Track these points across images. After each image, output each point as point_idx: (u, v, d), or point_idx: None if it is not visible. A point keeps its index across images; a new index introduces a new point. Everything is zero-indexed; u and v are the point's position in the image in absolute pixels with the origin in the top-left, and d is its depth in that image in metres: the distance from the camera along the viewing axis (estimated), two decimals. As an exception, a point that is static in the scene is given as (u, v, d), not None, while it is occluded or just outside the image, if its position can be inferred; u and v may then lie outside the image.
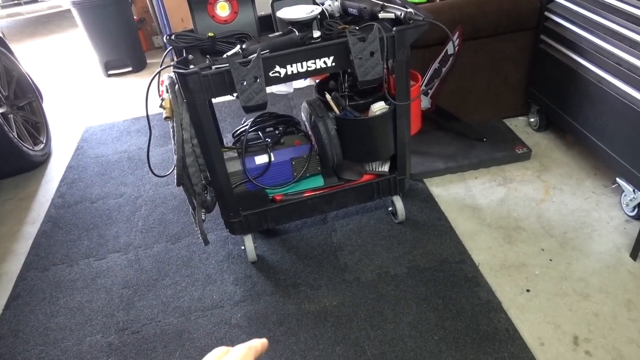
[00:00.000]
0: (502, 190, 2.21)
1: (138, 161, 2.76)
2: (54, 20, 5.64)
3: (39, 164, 2.83)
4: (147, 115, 1.62)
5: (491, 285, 1.76)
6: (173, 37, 1.66)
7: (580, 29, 2.04)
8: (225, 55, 1.58)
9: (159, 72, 1.62)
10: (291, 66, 1.57)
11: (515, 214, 2.07)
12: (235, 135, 2.05)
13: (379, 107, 1.76)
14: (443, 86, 2.44)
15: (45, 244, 2.23)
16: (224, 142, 2.40)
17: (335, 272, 1.89)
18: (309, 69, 1.59)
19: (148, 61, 4.11)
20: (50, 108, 3.46)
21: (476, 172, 2.34)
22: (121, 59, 3.87)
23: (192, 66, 1.61)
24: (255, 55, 1.49)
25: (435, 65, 2.33)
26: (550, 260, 1.84)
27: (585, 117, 2.08)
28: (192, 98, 1.55)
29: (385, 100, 1.79)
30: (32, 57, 4.61)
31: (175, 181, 1.74)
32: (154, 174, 1.76)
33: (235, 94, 1.56)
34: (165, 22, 3.89)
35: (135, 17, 4.04)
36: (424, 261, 1.89)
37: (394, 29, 1.59)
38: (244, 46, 1.60)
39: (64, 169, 2.78)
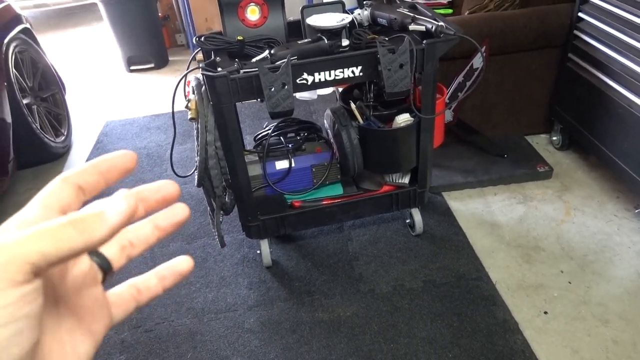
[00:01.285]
0: (521, 208, 2.18)
1: (157, 158, 2.77)
2: (79, 13, 5.71)
3: (60, 155, 2.86)
4: (173, 115, 1.62)
5: (508, 305, 1.74)
6: (202, 39, 1.67)
7: (611, 49, 2.01)
8: (253, 60, 1.58)
9: (186, 74, 1.62)
10: (319, 74, 1.57)
11: (535, 233, 2.04)
12: (256, 138, 2.05)
13: (403, 119, 1.75)
14: (466, 100, 2.42)
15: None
16: (245, 144, 2.40)
17: (350, 282, 1.88)
18: (336, 77, 1.59)
19: (170, 58, 4.13)
20: (72, 101, 3.49)
21: (495, 189, 2.31)
22: (144, 55, 3.90)
23: (219, 69, 1.62)
24: (285, 61, 1.49)
25: (460, 78, 2.31)
26: (570, 282, 1.82)
27: (611, 139, 2.05)
28: (219, 101, 1.55)
29: (410, 112, 1.78)
30: (57, 49, 4.66)
31: (196, 182, 1.74)
32: (175, 173, 1.76)
33: (260, 99, 1.56)
34: (189, 21, 3.91)
35: (159, 14, 4.07)
36: (440, 276, 1.87)
37: (424, 41, 1.58)
38: (272, 51, 1.60)
39: (83, 162, 2.79)
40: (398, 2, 1.83)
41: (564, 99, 2.38)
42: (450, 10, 3.25)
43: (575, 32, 2.21)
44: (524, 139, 2.58)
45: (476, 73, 2.30)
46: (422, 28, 1.62)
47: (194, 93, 1.67)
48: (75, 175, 0.31)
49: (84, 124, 3.25)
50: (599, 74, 2.10)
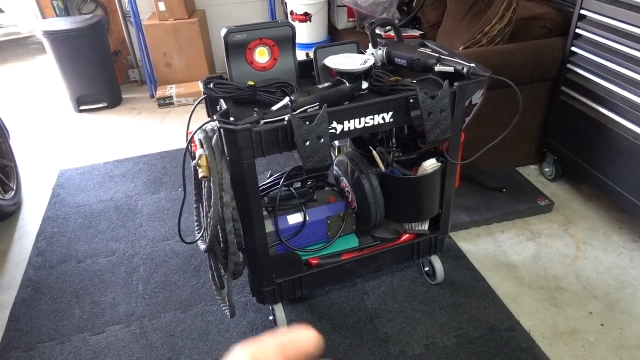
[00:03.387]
0: (532, 245, 2.12)
1: (128, 211, 2.47)
2: (9, 47, 5.21)
3: (9, 214, 2.49)
4: (184, 177, 1.40)
5: (549, 356, 1.64)
6: (211, 85, 1.47)
7: (606, 81, 2.03)
8: (274, 108, 1.41)
9: (197, 130, 1.41)
10: (348, 122, 1.42)
11: (553, 272, 1.98)
12: (260, 190, 1.85)
13: (431, 165, 1.63)
14: (464, 137, 2.35)
15: (26, 315, 1.90)
16: None
17: (377, 345, 1.71)
18: (366, 125, 1.45)
19: (123, 96, 3.82)
20: (18, 148, 3.10)
21: (501, 225, 2.25)
22: (95, 94, 3.57)
23: (231, 119, 1.43)
24: (318, 109, 1.33)
25: (459, 114, 2.24)
26: (602, 325, 1.75)
27: (611, 169, 2.05)
28: (239, 157, 1.35)
29: (436, 157, 1.66)
30: (-13, 88, 4.20)
31: (205, 247, 1.52)
32: (183, 241, 1.53)
33: (285, 152, 1.38)
34: (145, 56, 3.65)
35: (110, 49, 3.76)
36: (472, 329, 1.74)
37: (456, 84, 1.48)
38: (292, 97, 1.43)
39: (39, 221, 2.44)
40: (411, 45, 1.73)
41: (557, 131, 2.38)
42: (422, 43, 3.24)
43: (569, 65, 2.22)
44: (516, 172, 2.56)
45: (474, 109, 2.25)
46: (450, 69, 1.53)
47: (202, 147, 1.46)
48: (257, 351, 0.33)
49: (35, 174, 2.87)
50: (595, 105, 2.11)
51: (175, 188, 2.63)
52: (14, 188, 2.57)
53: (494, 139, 2.47)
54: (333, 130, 1.41)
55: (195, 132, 1.43)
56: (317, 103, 1.45)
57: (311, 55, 1.63)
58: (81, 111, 3.61)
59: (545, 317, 1.79)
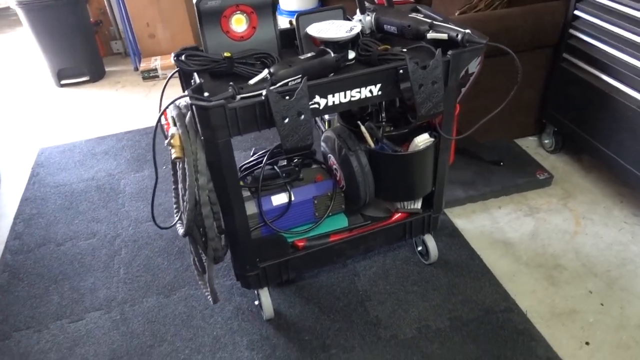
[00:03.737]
0: (530, 221, 2.04)
1: (110, 191, 2.37)
2: (2, 15, 5.01)
3: (-14, 195, 2.39)
4: (154, 159, 1.29)
5: (547, 339, 1.57)
6: (183, 57, 1.34)
7: (611, 47, 1.90)
8: (251, 82, 1.29)
9: (168, 106, 1.30)
10: (333, 96, 1.30)
11: (551, 249, 1.90)
12: (242, 169, 1.75)
13: (423, 140, 1.53)
14: (461, 108, 2.24)
15: (2, 302, 1.83)
16: None
17: (367, 328, 1.64)
18: (352, 99, 1.33)
19: (107, 69, 3.67)
20: (-6, 125, 2.98)
21: (498, 201, 2.16)
22: (77, 67, 3.42)
23: (206, 94, 1.31)
24: (297, 81, 1.21)
25: (455, 84, 2.12)
26: (602, 304, 1.68)
27: (614, 140, 1.95)
28: (213, 136, 1.24)
29: (429, 133, 1.56)
30: (-35, 62, 4.03)
31: (182, 232, 1.42)
32: (158, 226, 1.43)
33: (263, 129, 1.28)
34: (128, 27, 3.48)
35: (91, 20, 3.59)
36: (466, 311, 1.67)
37: (449, 52, 1.36)
38: (272, 70, 1.32)
39: (17, 202, 2.34)
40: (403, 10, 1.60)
41: (557, 101, 2.27)
42: (417, 9, 3.09)
43: (571, 30, 2.09)
44: (515, 144, 2.46)
45: (471, 79, 2.12)
46: (444, 36, 1.40)
47: (175, 125, 1.35)
48: None
49: (13, 153, 2.76)
50: (599, 73, 1.99)
51: (159, 165, 2.52)
52: (-9, 168, 2.46)
53: (492, 110, 2.35)
54: (316, 106, 1.29)
55: (166, 107, 1.31)
56: (299, 75, 1.33)
57: (294, 23, 1.50)
58: (62, 85, 3.47)
59: (543, 297, 1.72)
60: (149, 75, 3.44)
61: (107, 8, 3.67)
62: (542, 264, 1.84)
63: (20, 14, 3.16)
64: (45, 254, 2.03)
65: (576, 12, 2.04)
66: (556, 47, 2.19)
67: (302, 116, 1.20)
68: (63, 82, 3.46)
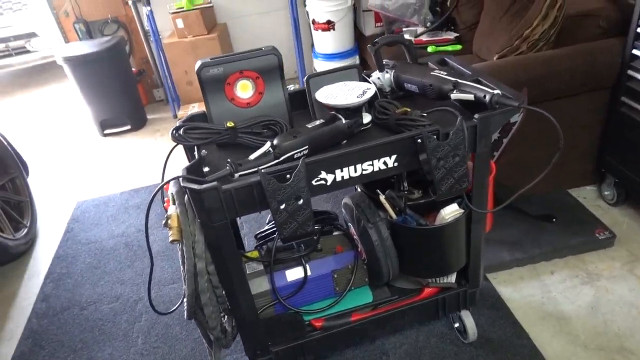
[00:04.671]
0: (589, 290, 1.77)
1: (137, 248, 2.33)
2: (51, 69, 5.30)
3: (21, 254, 2.41)
4: (149, 247, 1.20)
5: None
6: (182, 131, 1.26)
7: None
8: (252, 157, 1.18)
9: (161, 187, 1.21)
10: (341, 171, 1.16)
11: (615, 327, 1.63)
12: (258, 237, 1.63)
13: (451, 212, 1.35)
14: (501, 157, 2.03)
15: (21, 371, 1.79)
16: (244, 244, 1.94)
17: (395, 422, 1.44)
18: (364, 172, 1.19)
19: (148, 117, 3.73)
20: (37, 179, 3.06)
21: (550, 264, 1.91)
22: (119, 117, 3.49)
23: (206, 169, 1.21)
24: (304, 153, 1.09)
25: (495, 136, 1.93)
26: (680, 402, 1.40)
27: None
28: (209, 219, 1.13)
29: (458, 202, 1.37)
30: (22, 113, 4.24)
31: (186, 315, 1.31)
32: (156, 311, 1.33)
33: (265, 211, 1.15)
34: (167, 74, 3.54)
35: (134, 70, 3.69)
36: (511, 404, 1.44)
37: (476, 116, 1.19)
38: (275, 142, 1.20)
39: (50, 260, 2.35)
40: (429, 63, 1.45)
41: (617, 149, 2.00)
42: (459, 47, 2.91)
43: (630, 72, 1.84)
44: (569, 196, 2.20)
45: (514, 128, 1.92)
46: (470, 97, 1.24)
47: (174, 203, 1.25)
48: None
49: (52, 207, 2.81)
50: (665, 121, 1.74)
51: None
52: (28, 225, 2.50)
53: (538, 161, 2.12)
54: (322, 182, 1.16)
55: (162, 185, 1.22)
56: (307, 146, 1.21)
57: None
58: (105, 135, 3.55)
59: (605, 390, 1.46)
60: (187, 123, 3.44)
61: (149, 57, 3.76)
62: (603, 346, 1.57)
63: (66, 68, 3.27)
64: (69, 318, 1.99)
65: (635, 52, 1.80)
66: (614, 90, 1.94)
67: (301, 200, 1.07)
68: (106, 131, 3.54)
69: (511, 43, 1.99)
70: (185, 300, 1.31)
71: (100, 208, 2.70)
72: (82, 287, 2.15)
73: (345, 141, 1.27)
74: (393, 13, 3.07)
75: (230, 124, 1.29)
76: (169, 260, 2.23)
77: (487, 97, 1.19)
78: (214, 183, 1.08)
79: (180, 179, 1.13)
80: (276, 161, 1.17)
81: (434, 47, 2.89)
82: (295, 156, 1.19)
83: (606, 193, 2.16)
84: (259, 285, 1.46)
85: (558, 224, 2.02)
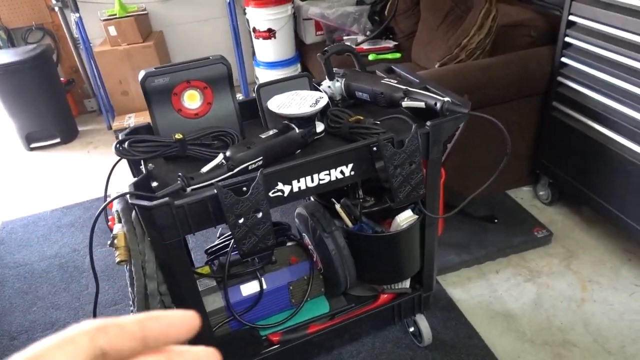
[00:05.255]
0: (531, 288, 1.86)
1: (73, 270, 2.18)
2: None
3: (-62, 282, 2.18)
4: (94, 269, 1.11)
5: None
6: (126, 144, 1.18)
7: (602, 95, 1.78)
8: (204, 170, 1.13)
9: (106, 205, 1.13)
10: (298, 181, 1.14)
11: (558, 321, 1.71)
12: (209, 252, 1.57)
13: (406, 219, 1.36)
14: (444, 163, 2.09)
15: (-57, 414, 1.61)
16: (193, 259, 1.86)
17: None
18: (321, 182, 1.17)
19: (80, 128, 3.52)
20: (-44, 197, 2.80)
21: (495, 264, 1.98)
22: (47, 130, 3.26)
23: (154, 184, 1.15)
24: (259, 164, 1.06)
25: (440, 141, 1.98)
26: (620, 389, 1.49)
27: (613, 193, 1.79)
28: (161, 237, 1.07)
29: (412, 208, 1.39)
30: None
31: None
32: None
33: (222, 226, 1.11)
34: (100, 84, 3.35)
35: (62, 79, 3.47)
36: (468, 404, 1.47)
37: (428, 123, 1.21)
38: (228, 153, 1.16)
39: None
40: (376, 71, 1.46)
41: (551, 151, 2.12)
42: (398, 55, 2.98)
43: (559, 78, 1.96)
44: (508, 197, 2.30)
45: (457, 134, 1.98)
46: (421, 104, 1.26)
47: (120, 221, 1.18)
48: (106, 336, 0.26)
49: (-27, 229, 2.57)
50: (592, 123, 1.86)
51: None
52: (-55, 250, 2.27)
53: (482, 163, 2.20)
54: (279, 194, 1.13)
55: (107, 203, 1.14)
56: (261, 157, 1.17)
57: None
58: (32, 149, 3.31)
59: (553, 383, 1.52)
60: (123, 134, 3.28)
61: (79, 66, 3.56)
62: (548, 341, 1.65)
63: (-15, 78, 3.02)
64: (-3, 350, 1.82)
65: (563, 59, 1.92)
66: (545, 95, 2.06)
67: (260, 214, 1.04)
68: (33, 145, 3.30)
69: (451, 51, 2.06)
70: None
71: (29, 228, 2.50)
72: (11, 315, 1.97)
73: (299, 151, 1.25)
74: (333, 22, 3.10)
75: (178, 136, 1.23)
76: (109, 280, 2.10)
77: (438, 105, 1.22)
78: (166, 199, 1.02)
79: (128, 195, 1.06)
80: (230, 173, 1.13)
81: (374, 55, 2.94)
82: (250, 167, 1.16)
83: (541, 193, 2.28)
84: (213, 302, 1.40)
85: (500, 224, 2.11)
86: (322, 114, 1.31)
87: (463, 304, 1.81)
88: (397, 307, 1.54)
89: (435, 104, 1.22)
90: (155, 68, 1.24)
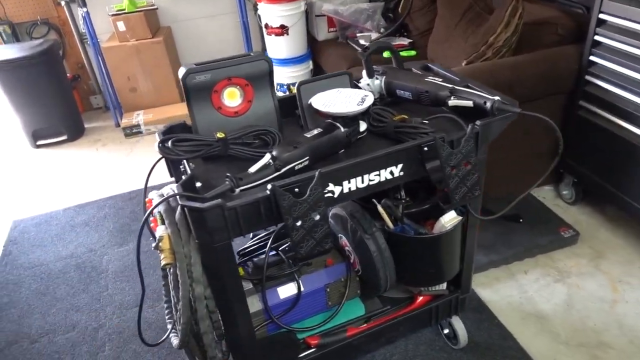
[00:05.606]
0: (561, 288, 1.84)
1: (91, 270, 2.13)
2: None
3: (-49, 283, 2.12)
4: (141, 275, 1.08)
5: None
6: (170, 143, 1.14)
7: (630, 93, 1.77)
8: (252, 170, 1.09)
9: (156, 206, 1.09)
10: (349, 182, 1.11)
11: (591, 322, 1.70)
12: (242, 254, 1.54)
13: (450, 220, 1.33)
14: (471, 161, 2.06)
15: (-35, 421, 1.56)
16: None
17: None
18: (370, 182, 1.14)
19: (86, 126, 3.46)
20: (-37, 196, 2.74)
21: (523, 264, 1.96)
22: (53, 126, 3.20)
23: (198, 184, 1.11)
24: (305, 164, 1.02)
25: (468, 140, 1.95)
26: (660, 391, 1.47)
27: (652, 198, 1.78)
28: (211, 239, 1.03)
29: (455, 209, 1.36)
30: None
31: (177, 344, 1.19)
32: (145, 343, 1.20)
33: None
34: (107, 80, 3.30)
35: (68, 75, 3.40)
36: (507, 407, 1.45)
37: (478, 123, 1.18)
38: (274, 153, 1.12)
39: (-14, 289, 2.09)
40: (414, 69, 1.43)
41: (576, 150, 2.10)
42: (413, 52, 2.95)
43: (587, 77, 1.94)
44: (531, 196, 2.28)
45: (485, 132, 1.95)
46: (469, 103, 1.23)
47: (163, 223, 1.14)
48: None
49: (-17, 228, 2.51)
50: (621, 122, 1.84)
51: (146, 237, 2.29)
52: (-43, 250, 2.21)
53: (508, 163, 2.18)
54: (330, 195, 1.10)
55: (154, 208, 1.10)
56: (307, 157, 1.14)
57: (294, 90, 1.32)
58: (38, 147, 3.24)
59: (591, 385, 1.50)
60: (132, 132, 3.24)
61: (85, 62, 3.49)
62: (583, 343, 1.63)
63: (-8, 75, 2.95)
64: (17, 354, 1.77)
65: (592, 58, 1.90)
66: (572, 94, 2.04)
67: (318, 216, 1.00)
68: (39, 142, 3.23)
69: (477, 49, 2.03)
70: (176, 327, 1.20)
71: (42, 227, 2.45)
72: (30, 317, 1.92)
73: (342, 150, 1.22)
74: (347, 18, 3.06)
75: (220, 135, 1.19)
76: (128, 281, 2.05)
77: (488, 104, 1.19)
78: (219, 200, 0.98)
79: (178, 197, 1.02)
80: (277, 174, 1.10)
81: (388, 52, 2.90)
82: (297, 167, 1.13)
83: (564, 192, 2.26)
84: (252, 305, 1.36)
85: (525, 224, 2.09)
86: (364, 113, 1.28)
87: (493, 304, 1.79)
88: (434, 309, 1.52)
89: (485, 103, 1.20)
90: (195, 64, 1.20)
